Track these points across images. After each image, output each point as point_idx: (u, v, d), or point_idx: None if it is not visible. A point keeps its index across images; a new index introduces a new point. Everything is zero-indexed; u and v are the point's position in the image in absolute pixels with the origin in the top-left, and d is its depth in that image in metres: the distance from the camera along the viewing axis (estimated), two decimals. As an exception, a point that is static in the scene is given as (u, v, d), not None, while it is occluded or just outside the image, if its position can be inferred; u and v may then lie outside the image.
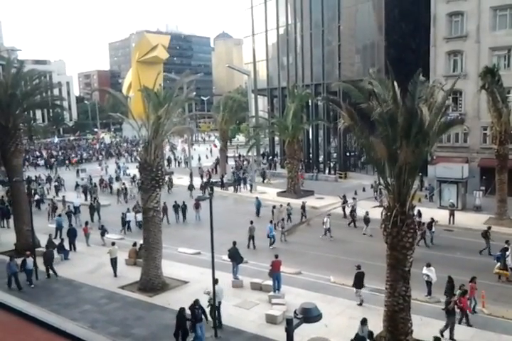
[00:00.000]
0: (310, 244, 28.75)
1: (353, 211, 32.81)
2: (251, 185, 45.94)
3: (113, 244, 25.31)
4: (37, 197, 41.15)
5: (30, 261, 22.92)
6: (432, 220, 28.14)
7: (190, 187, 44.42)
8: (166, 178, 46.53)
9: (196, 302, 16.79)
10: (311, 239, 29.84)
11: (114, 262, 24.02)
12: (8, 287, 21.86)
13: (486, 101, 32.85)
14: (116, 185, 46.68)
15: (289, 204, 34.44)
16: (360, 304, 19.66)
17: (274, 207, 33.52)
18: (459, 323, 17.42)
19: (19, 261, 23.11)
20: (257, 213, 35.63)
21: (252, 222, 28.88)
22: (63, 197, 39.94)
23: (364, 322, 15.65)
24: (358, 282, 19.74)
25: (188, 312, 16.64)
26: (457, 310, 17.31)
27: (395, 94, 15.48)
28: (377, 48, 48.08)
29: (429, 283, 20.00)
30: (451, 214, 31.74)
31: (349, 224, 32.43)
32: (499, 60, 38.48)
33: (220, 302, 18.15)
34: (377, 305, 18.16)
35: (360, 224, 31.41)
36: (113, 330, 17.87)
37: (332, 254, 26.68)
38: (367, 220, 30.09)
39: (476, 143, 40.13)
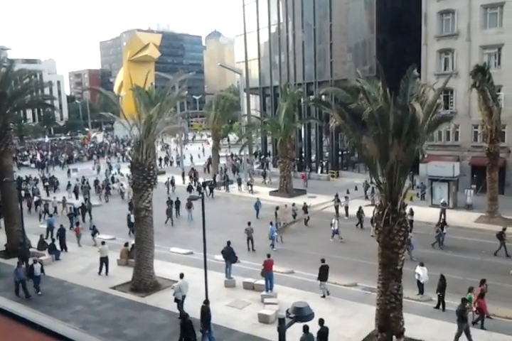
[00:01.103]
0: (304, 243, 28.73)
1: (360, 212, 31.73)
2: (251, 185, 45.29)
3: (103, 243, 25.37)
4: (36, 198, 40.40)
5: (37, 266, 22.07)
6: (444, 221, 27.81)
7: (190, 188, 44.06)
8: (167, 179, 46.90)
9: (206, 303, 16.53)
10: (305, 239, 29.84)
11: (104, 261, 24.00)
12: (16, 294, 20.98)
13: (476, 100, 32.93)
14: (115, 186, 46.17)
15: (294, 204, 33.62)
16: (324, 296, 20.27)
17: (277, 208, 32.49)
18: (473, 325, 17.24)
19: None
20: (257, 214, 34.77)
21: (249, 223, 28.20)
22: (63, 198, 39.59)
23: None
24: (322, 275, 20.17)
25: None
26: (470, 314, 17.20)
27: (386, 92, 15.49)
28: (369, 47, 48.21)
29: (419, 282, 20.04)
30: (442, 212, 31.83)
31: (357, 225, 31.73)
32: (490, 58, 38.67)
33: (184, 296, 18.72)
34: (369, 303, 18.19)
35: (367, 225, 30.55)
36: (105, 331, 17.79)
37: (326, 253, 26.68)
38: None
39: (467, 142, 40.30)
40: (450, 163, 36.76)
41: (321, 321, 15.05)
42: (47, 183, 48.26)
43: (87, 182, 46.59)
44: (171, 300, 19.76)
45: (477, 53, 38.97)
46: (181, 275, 19.57)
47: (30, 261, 22.61)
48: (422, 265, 20.11)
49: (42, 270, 22.46)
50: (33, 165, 68.70)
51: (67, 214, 34.33)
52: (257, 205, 35.34)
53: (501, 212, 32.10)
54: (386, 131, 15.28)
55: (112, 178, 50.24)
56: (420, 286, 20.05)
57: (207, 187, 43.81)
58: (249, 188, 45.17)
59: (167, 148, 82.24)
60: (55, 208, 37.91)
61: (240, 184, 46.63)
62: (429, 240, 27.75)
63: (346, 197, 35.68)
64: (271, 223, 28.98)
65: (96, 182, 47.21)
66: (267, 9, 59.55)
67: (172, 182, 47.11)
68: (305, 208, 33.81)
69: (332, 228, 29.07)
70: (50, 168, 65.09)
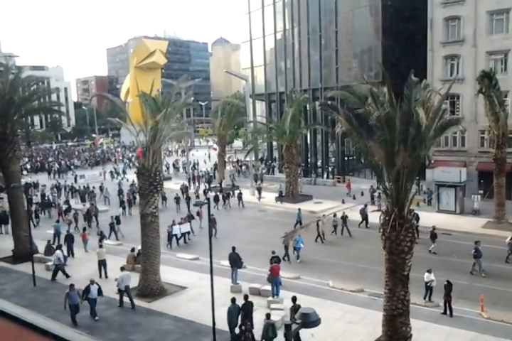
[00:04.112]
0: (310, 249, 28.64)
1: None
2: (280, 197, 43.09)
3: (101, 246, 25.63)
4: (65, 206, 39.36)
5: (94, 288, 19.58)
6: None
7: (216, 198, 41.80)
8: (180, 186, 46.26)
9: (245, 323, 16.14)
10: (309, 244, 29.73)
11: (102, 264, 24.26)
12: (73, 323, 18.71)
13: (483, 105, 32.91)
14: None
15: (335, 214, 31.53)
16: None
17: (319, 219, 30.09)
18: None
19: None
20: (300, 224, 31.50)
21: (286, 233, 27.07)
22: (91, 204, 38.83)
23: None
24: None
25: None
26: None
27: (391, 97, 15.53)
28: (375, 53, 48.24)
29: (431, 289, 19.80)
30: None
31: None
32: (496, 64, 38.57)
33: (127, 286, 20.42)
34: (376, 309, 18.12)
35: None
36: (111, 336, 17.82)
37: (333, 259, 26.66)
38: (434, 236, 26.83)
39: (474, 147, 40.18)
40: (457, 169, 36.61)
41: (246, 297, 17.58)
42: (54, 189, 48.38)
43: (94, 187, 46.77)
44: (178, 305, 19.81)
45: (483, 59, 38.90)
46: (122, 269, 21.75)
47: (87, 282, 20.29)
48: (430, 271, 19.87)
49: (100, 292, 19.87)
50: (24, 172, 67.64)
51: (108, 224, 32.73)
52: (299, 215, 32.92)
53: (509, 217, 31.97)
54: (392, 137, 15.30)
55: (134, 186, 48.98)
56: (431, 292, 19.84)
57: (235, 195, 42.96)
58: (279, 200, 42.95)
59: (182, 153, 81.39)
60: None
61: (260, 192, 44.32)
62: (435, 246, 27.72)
63: (366, 205, 34.23)
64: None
65: (120, 191, 45.12)
66: (272, 16, 59.82)
67: (228, 195, 43.44)
68: (344, 218, 31.63)
69: None
70: (64, 175, 64.64)
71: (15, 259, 27.20)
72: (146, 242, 22.24)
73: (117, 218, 33.47)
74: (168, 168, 64.89)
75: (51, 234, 31.18)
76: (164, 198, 41.84)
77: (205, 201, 18.40)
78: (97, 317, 19.45)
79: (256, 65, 63.05)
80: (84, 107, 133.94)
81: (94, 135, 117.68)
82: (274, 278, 20.85)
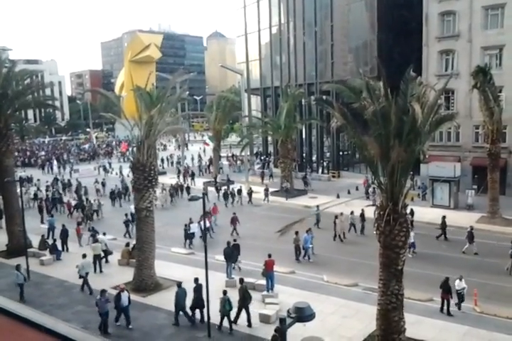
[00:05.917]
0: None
1: (443, 223, 28.50)
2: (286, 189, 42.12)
3: (96, 241, 25.68)
4: (74, 202, 38.42)
5: (125, 295, 18.38)
6: None
7: (226, 195, 41.18)
8: (174, 184, 45.80)
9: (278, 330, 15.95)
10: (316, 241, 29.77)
11: (98, 258, 24.33)
12: (100, 332, 17.59)
13: (477, 100, 32.95)
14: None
15: (352, 212, 30.81)
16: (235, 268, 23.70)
17: (336, 217, 29.52)
18: None
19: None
20: (317, 224, 31.63)
21: (297, 233, 25.01)
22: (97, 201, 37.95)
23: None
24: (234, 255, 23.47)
25: None
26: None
27: (387, 92, 15.50)
28: (370, 47, 48.14)
29: (463, 296, 19.25)
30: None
31: (438, 237, 28.60)
32: (491, 59, 38.62)
33: (87, 273, 21.92)
34: (370, 303, 18.19)
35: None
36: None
37: (328, 254, 26.70)
38: (471, 236, 25.94)
39: (468, 142, 40.30)
40: (451, 164, 36.73)
41: (196, 279, 18.53)
42: (47, 183, 48.20)
43: (97, 182, 46.88)
44: (173, 300, 19.78)
45: (478, 54, 38.95)
46: (84, 256, 22.72)
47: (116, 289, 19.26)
48: (460, 279, 19.46)
49: (129, 300, 18.62)
50: None
51: (123, 222, 31.80)
52: (318, 214, 31.98)
53: (502, 212, 32.13)
54: (387, 131, 15.29)
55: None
56: (462, 300, 19.30)
57: (244, 192, 41.41)
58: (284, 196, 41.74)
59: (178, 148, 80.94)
60: (96, 211, 36.71)
61: (267, 195, 41.18)
62: (429, 240, 27.82)
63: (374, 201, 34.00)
64: (307, 231, 26.01)
65: (126, 188, 43.74)
66: (268, 10, 59.56)
67: (239, 192, 41.24)
68: (362, 215, 30.73)
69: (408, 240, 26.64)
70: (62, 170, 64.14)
71: (9, 254, 27.13)
72: (140, 237, 22.23)
73: (132, 215, 30.50)
74: (162, 163, 64.87)
75: (45, 229, 31.13)
76: (172, 195, 42.04)
77: (201, 196, 18.38)
78: (130, 326, 18.27)
79: (251, 60, 62.84)
80: (78, 101, 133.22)
81: (88, 129, 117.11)
82: (268, 273, 20.89)
